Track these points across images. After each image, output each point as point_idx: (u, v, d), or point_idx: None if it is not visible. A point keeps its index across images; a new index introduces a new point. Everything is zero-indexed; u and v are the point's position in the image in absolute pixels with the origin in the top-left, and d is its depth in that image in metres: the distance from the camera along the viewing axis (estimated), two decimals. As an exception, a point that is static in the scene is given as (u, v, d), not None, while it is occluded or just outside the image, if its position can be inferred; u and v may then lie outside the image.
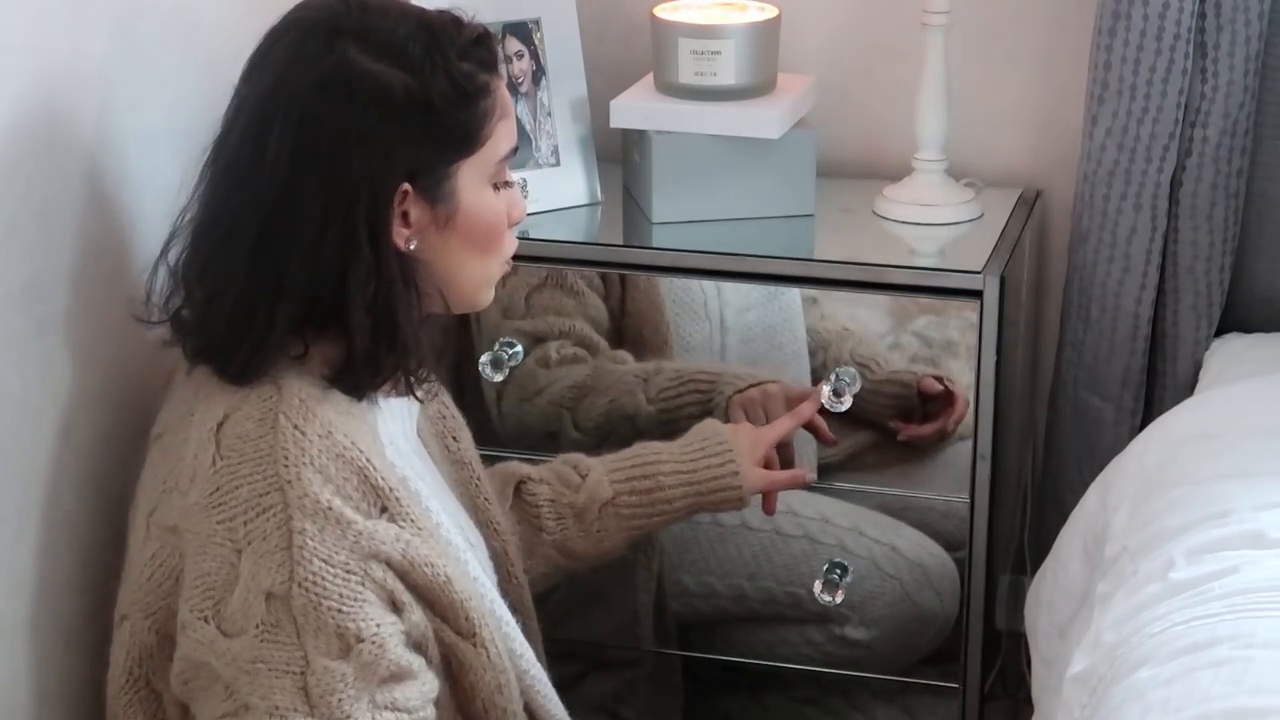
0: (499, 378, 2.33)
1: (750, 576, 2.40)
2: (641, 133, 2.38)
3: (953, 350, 2.28)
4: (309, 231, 1.68)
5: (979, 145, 2.51)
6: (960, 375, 2.28)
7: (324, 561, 1.64)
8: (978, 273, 2.24)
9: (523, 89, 2.40)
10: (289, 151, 1.68)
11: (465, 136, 1.74)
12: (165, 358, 1.93)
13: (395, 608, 1.69)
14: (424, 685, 1.71)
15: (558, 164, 2.42)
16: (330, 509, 1.65)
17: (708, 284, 2.34)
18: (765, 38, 2.36)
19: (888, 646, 2.40)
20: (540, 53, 2.41)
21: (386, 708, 1.67)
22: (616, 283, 2.35)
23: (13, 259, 1.74)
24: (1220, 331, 2.37)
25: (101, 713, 1.91)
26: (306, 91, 1.69)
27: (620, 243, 2.37)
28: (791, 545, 2.35)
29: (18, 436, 1.76)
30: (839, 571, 2.34)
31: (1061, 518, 2.17)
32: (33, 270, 1.77)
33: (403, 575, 1.70)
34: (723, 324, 2.38)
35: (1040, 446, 2.52)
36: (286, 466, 1.65)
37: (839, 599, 2.34)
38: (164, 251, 1.80)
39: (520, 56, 2.40)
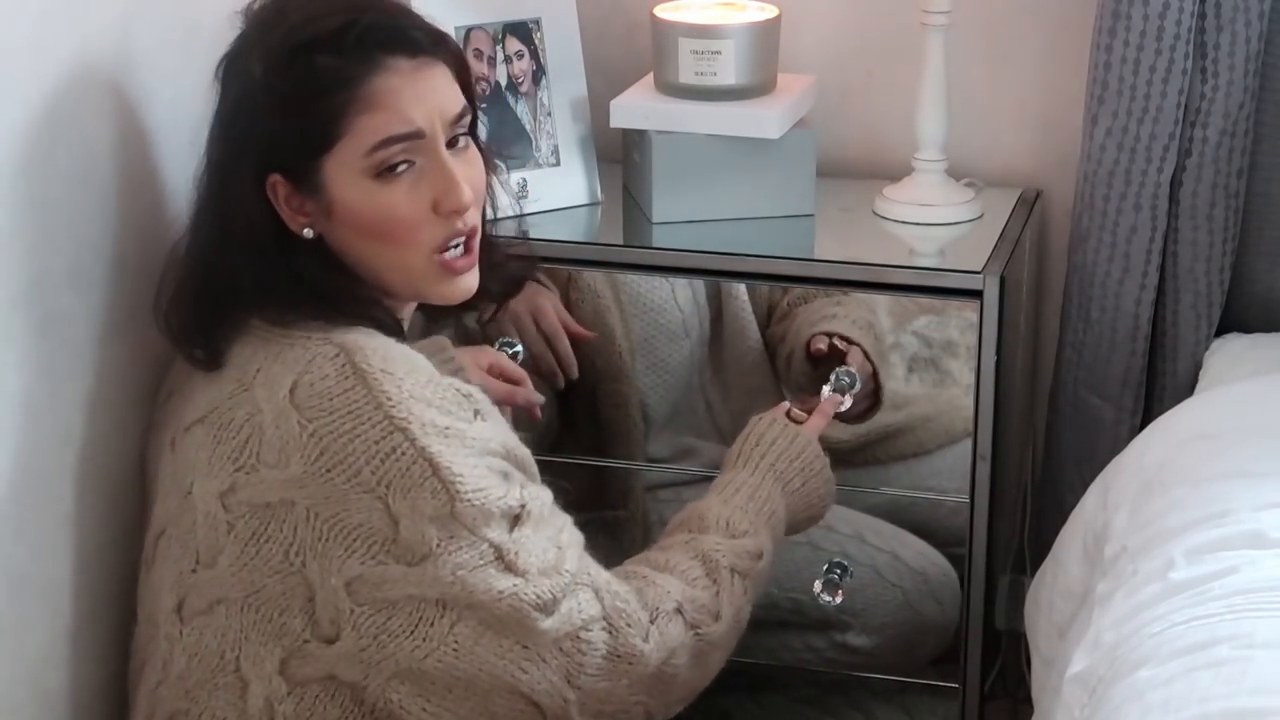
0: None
1: None
2: (641, 132, 2.38)
3: (953, 350, 2.28)
4: (211, 223, 1.80)
5: (979, 145, 2.51)
6: (960, 375, 2.28)
7: (465, 469, 1.73)
8: (978, 273, 2.24)
9: (523, 89, 2.40)
10: (205, 146, 1.82)
11: (314, 133, 1.77)
12: (164, 358, 1.93)
13: (509, 480, 1.79)
14: (574, 528, 1.86)
15: (558, 164, 2.42)
16: (449, 428, 1.73)
17: (684, 300, 2.35)
18: (765, 38, 2.36)
19: (888, 654, 2.40)
20: (540, 53, 2.41)
21: (561, 530, 1.82)
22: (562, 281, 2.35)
23: (13, 259, 1.74)
24: (1220, 331, 2.37)
25: (102, 713, 1.91)
26: (217, 88, 1.82)
27: (620, 243, 2.37)
28: (794, 551, 2.35)
29: (18, 436, 1.76)
30: (839, 571, 2.34)
31: (1061, 518, 2.17)
32: (33, 270, 1.77)
33: (506, 458, 1.80)
34: (701, 335, 2.39)
35: (1040, 446, 2.52)
36: (395, 406, 1.72)
37: (839, 599, 2.34)
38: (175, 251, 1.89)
39: (520, 56, 2.40)
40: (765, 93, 2.36)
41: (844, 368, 2.26)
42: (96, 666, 1.90)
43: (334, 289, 1.80)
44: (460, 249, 1.83)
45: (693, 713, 2.50)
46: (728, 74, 2.33)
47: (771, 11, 2.37)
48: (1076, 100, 2.42)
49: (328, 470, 1.71)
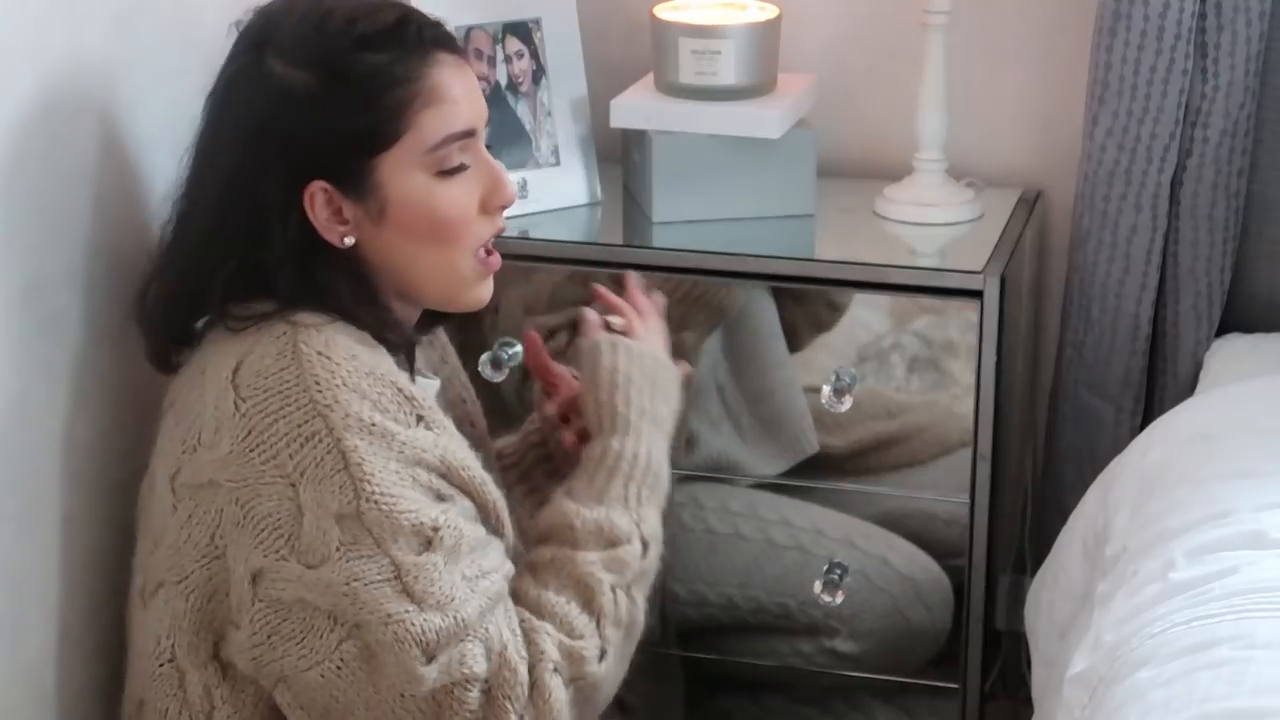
0: (499, 378, 2.32)
1: (740, 585, 2.40)
2: (641, 132, 2.38)
3: (953, 350, 2.28)
4: (221, 231, 1.74)
5: (979, 145, 2.51)
6: (961, 375, 2.28)
7: (381, 472, 1.66)
8: (978, 273, 2.24)
9: (523, 89, 2.40)
10: (203, 155, 1.76)
11: (374, 131, 1.73)
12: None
13: (443, 501, 1.71)
14: (498, 547, 1.76)
15: (558, 164, 2.42)
16: (374, 424, 1.67)
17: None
18: (765, 38, 2.36)
19: (877, 659, 2.40)
20: (540, 53, 2.41)
21: (478, 576, 1.71)
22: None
23: (13, 259, 1.74)
24: (1220, 331, 2.37)
25: (101, 713, 1.91)
26: (220, 95, 1.76)
27: (620, 242, 2.37)
28: (784, 556, 2.35)
29: (18, 436, 1.76)
30: (839, 572, 2.34)
31: (1061, 518, 2.17)
32: (33, 270, 1.77)
33: (444, 476, 1.72)
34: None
35: (1040, 447, 2.52)
36: (321, 391, 1.67)
37: (839, 599, 2.33)
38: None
39: (520, 56, 2.40)
40: (765, 93, 2.36)
41: (844, 367, 2.26)
42: (96, 666, 1.90)
43: (355, 305, 1.75)
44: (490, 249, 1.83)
45: (693, 713, 2.51)
46: (728, 74, 2.33)
47: (771, 11, 2.37)
48: (1076, 100, 2.42)
49: (250, 451, 1.67)
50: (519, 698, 1.71)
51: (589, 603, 1.77)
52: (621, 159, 2.49)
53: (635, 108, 2.37)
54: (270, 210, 1.72)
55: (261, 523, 1.67)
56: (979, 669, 2.35)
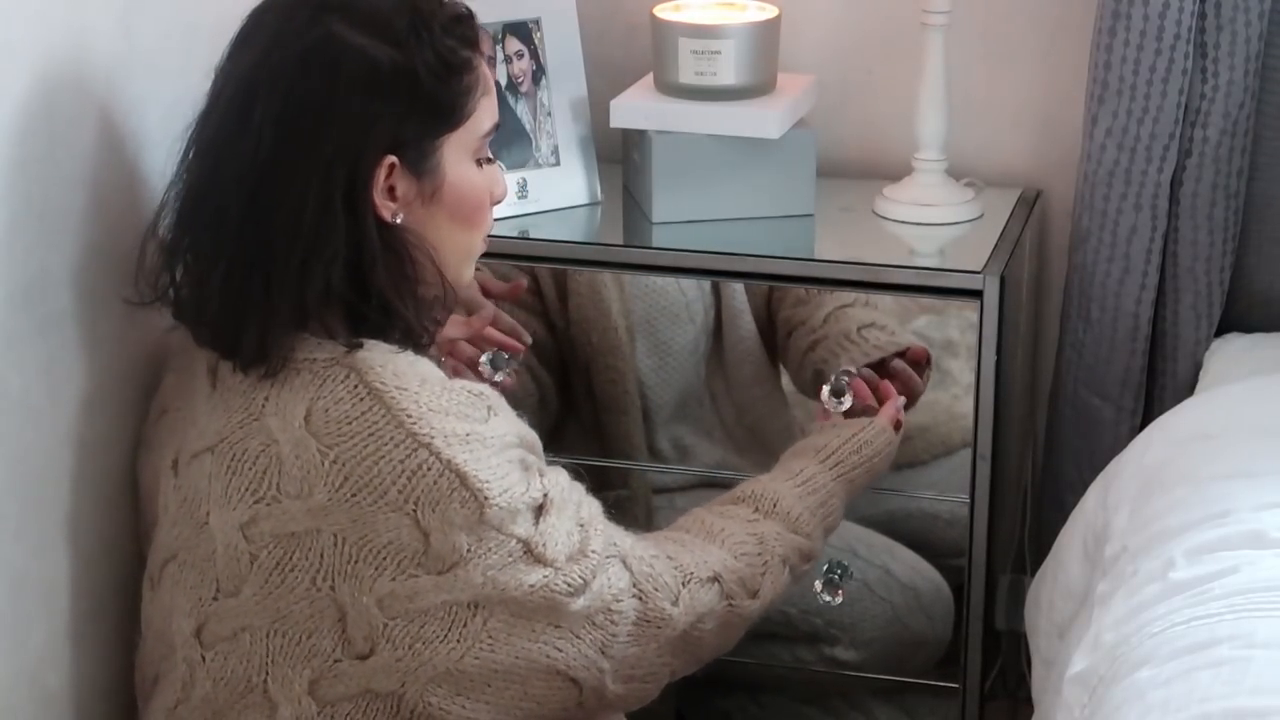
0: (499, 378, 2.32)
1: None
2: (641, 133, 2.38)
3: (953, 350, 2.28)
4: (292, 205, 1.71)
5: (979, 145, 2.51)
6: (960, 375, 2.28)
7: (490, 472, 1.72)
8: (978, 273, 2.24)
9: (523, 89, 2.40)
10: (273, 125, 1.72)
11: (450, 111, 1.78)
12: (164, 358, 1.93)
13: (529, 469, 1.79)
14: (563, 472, 1.85)
15: (558, 164, 2.42)
16: (468, 433, 1.73)
17: (688, 286, 2.35)
18: (765, 38, 2.36)
19: (877, 668, 2.40)
20: (540, 53, 2.41)
21: (583, 510, 1.82)
22: (553, 290, 2.36)
23: (13, 259, 1.74)
24: (1220, 331, 2.37)
25: (103, 712, 1.91)
26: (291, 66, 1.73)
27: (620, 243, 2.37)
28: None
29: (18, 436, 1.76)
30: (839, 572, 2.34)
31: (1061, 518, 2.17)
32: (33, 270, 1.77)
33: (522, 446, 1.79)
34: (706, 324, 2.39)
35: (1040, 446, 2.52)
36: (415, 423, 1.71)
37: (839, 599, 2.34)
38: (152, 228, 1.81)
39: (520, 56, 2.40)
40: (765, 93, 2.36)
41: (842, 369, 2.26)
42: (97, 666, 1.90)
43: (399, 295, 1.76)
44: None
45: (693, 713, 2.51)
46: (728, 74, 2.33)
47: (771, 11, 2.37)
48: (1076, 100, 2.42)
49: (353, 495, 1.71)
50: (668, 587, 1.86)
51: (764, 554, 1.97)
52: (621, 159, 2.49)
53: (635, 108, 2.37)
54: (346, 185, 1.72)
55: (382, 553, 1.72)
56: (979, 669, 2.35)
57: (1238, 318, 2.38)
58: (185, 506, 1.78)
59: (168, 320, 1.86)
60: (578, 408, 2.41)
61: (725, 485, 2.35)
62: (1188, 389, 2.33)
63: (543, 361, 2.36)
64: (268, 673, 1.75)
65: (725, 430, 2.42)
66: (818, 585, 2.34)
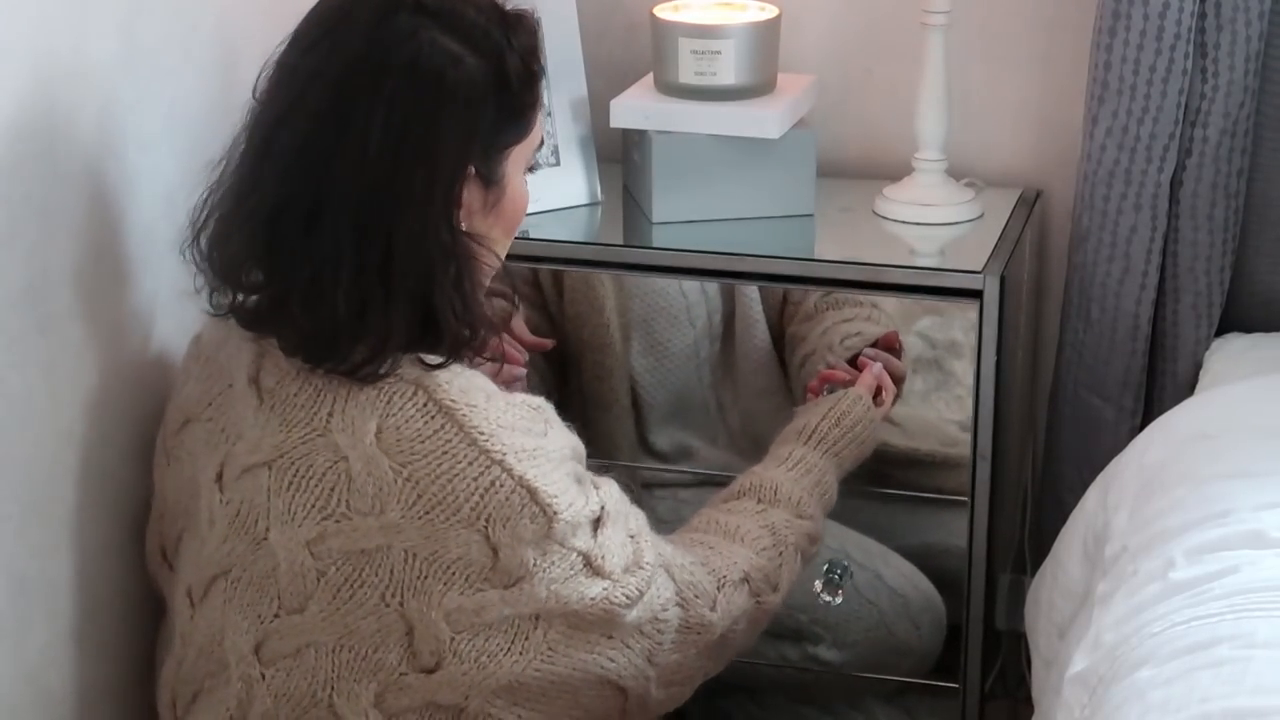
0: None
1: None
2: (641, 132, 2.38)
3: (957, 351, 2.28)
4: (403, 213, 1.70)
5: (979, 145, 2.51)
6: (962, 375, 2.28)
7: (556, 486, 1.74)
8: (978, 273, 2.24)
9: (523, 89, 2.40)
10: (380, 133, 1.69)
11: (524, 121, 1.81)
12: (165, 358, 1.93)
13: (581, 483, 1.81)
14: (614, 484, 1.87)
15: (558, 164, 2.42)
16: (535, 448, 1.75)
17: (690, 288, 2.35)
18: (765, 38, 2.36)
19: (859, 671, 2.40)
20: (540, 53, 2.40)
21: (633, 522, 1.85)
22: (551, 286, 2.36)
23: (13, 259, 1.74)
24: (1220, 331, 2.37)
25: (104, 713, 1.91)
26: (397, 74, 1.70)
27: (620, 243, 2.37)
28: None
29: (18, 436, 1.76)
30: (839, 572, 2.34)
31: (1061, 518, 2.17)
32: (33, 270, 1.77)
33: (576, 460, 1.82)
34: (709, 329, 2.39)
35: (1040, 446, 2.52)
36: (488, 439, 1.72)
37: (839, 599, 2.34)
38: (195, 237, 1.77)
39: (520, 56, 2.40)
40: (765, 93, 2.36)
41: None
42: (97, 666, 1.90)
43: (475, 294, 1.76)
44: None
45: (692, 713, 2.50)
46: (728, 74, 2.33)
47: (771, 11, 2.37)
48: (1076, 100, 2.42)
49: (426, 512, 1.71)
50: (707, 594, 1.88)
51: (778, 545, 1.99)
52: (621, 159, 2.49)
53: (635, 108, 2.38)
54: (442, 197, 1.73)
55: (451, 568, 1.73)
56: (979, 669, 2.35)
57: (1238, 318, 2.38)
58: (237, 521, 1.76)
59: (168, 320, 1.86)
60: (568, 402, 2.41)
61: (725, 485, 2.36)
62: (1188, 389, 2.33)
63: (543, 354, 2.37)
64: (333, 688, 1.75)
65: (730, 438, 2.42)
66: (817, 585, 2.34)
